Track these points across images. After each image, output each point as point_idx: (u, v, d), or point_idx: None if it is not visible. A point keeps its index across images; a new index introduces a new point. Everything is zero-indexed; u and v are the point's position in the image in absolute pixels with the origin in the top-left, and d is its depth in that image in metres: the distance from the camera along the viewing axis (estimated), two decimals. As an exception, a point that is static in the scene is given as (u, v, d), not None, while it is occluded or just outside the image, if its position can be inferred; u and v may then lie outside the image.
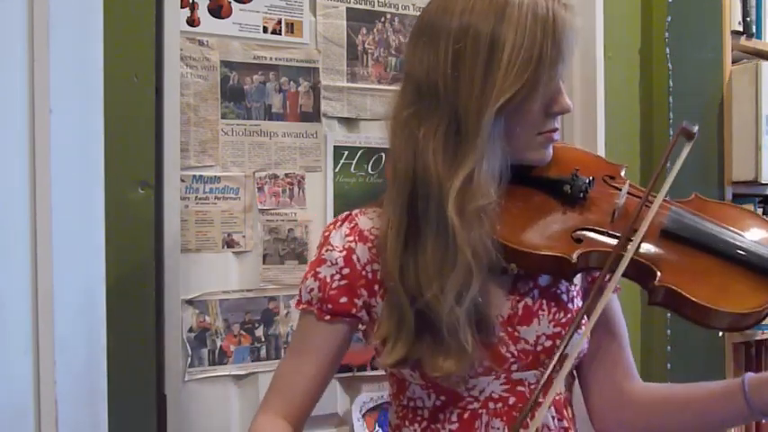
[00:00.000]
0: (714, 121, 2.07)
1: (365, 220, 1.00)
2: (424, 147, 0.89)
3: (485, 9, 0.87)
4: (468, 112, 0.87)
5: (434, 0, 0.93)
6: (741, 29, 2.11)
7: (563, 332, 0.94)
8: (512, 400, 0.94)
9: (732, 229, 0.91)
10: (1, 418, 1.08)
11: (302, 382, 0.97)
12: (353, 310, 0.96)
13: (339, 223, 1.00)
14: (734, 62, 2.11)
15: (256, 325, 1.60)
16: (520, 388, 0.94)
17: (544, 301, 0.95)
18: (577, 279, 1.02)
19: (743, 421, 0.93)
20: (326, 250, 0.98)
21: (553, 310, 0.95)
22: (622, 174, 1.00)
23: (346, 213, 1.02)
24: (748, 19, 2.12)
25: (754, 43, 2.15)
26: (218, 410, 1.57)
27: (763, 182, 2.04)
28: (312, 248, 1.65)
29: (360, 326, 1.00)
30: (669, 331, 1.95)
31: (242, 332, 1.59)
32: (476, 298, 0.89)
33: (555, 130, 0.93)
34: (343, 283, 0.96)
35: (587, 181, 0.95)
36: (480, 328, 0.90)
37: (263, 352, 1.61)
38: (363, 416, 1.70)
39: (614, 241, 0.90)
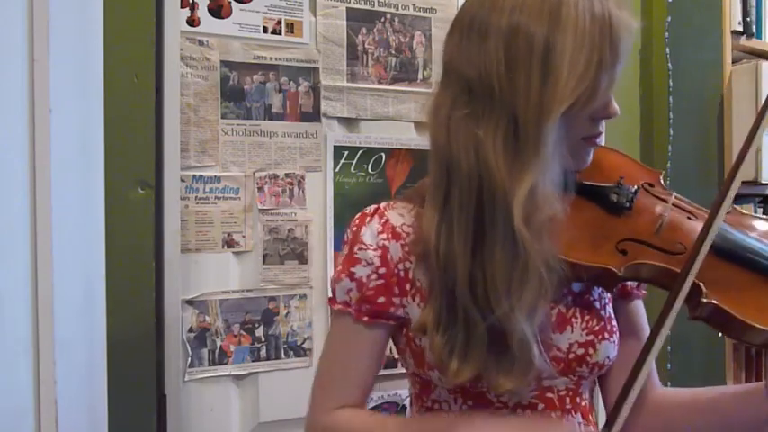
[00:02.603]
0: (714, 121, 2.07)
1: (396, 215, 0.95)
2: (486, 148, 0.84)
3: (537, 7, 0.82)
4: (527, 117, 0.83)
5: None
6: (741, 29, 2.11)
7: (595, 340, 0.93)
8: (540, 407, 0.93)
9: None
10: (1, 418, 1.08)
11: (355, 387, 0.95)
12: (392, 309, 0.93)
13: (369, 219, 0.95)
14: (734, 62, 2.11)
15: (256, 325, 1.60)
16: (549, 395, 0.93)
17: (577, 309, 0.93)
18: None
19: None
20: (359, 249, 0.93)
21: (586, 317, 0.94)
22: (661, 180, 1.00)
23: (374, 207, 0.97)
24: (748, 19, 2.12)
25: (754, 43, 2.15)
26: (218, 410, 1.56)
27: (763, 182, 2.04)
28: (312, 248, 1.65)
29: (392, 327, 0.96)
30: (669, 331, 1.95)
31: (242, 332, 1.59)
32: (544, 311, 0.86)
33: (599, 134, 0.91)
34: (380, 282, 0.92)
35: (633, 190, 0.93)
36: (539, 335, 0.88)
37: (263, 352, 1.61)
38: (363, 416, 1.70)
39: (660, 254, 0.89)
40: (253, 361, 1.60)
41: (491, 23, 0.84)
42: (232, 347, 1.57)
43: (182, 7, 1.51)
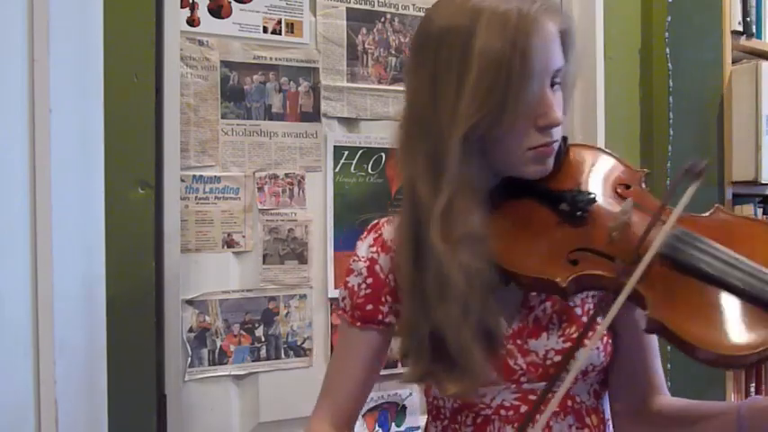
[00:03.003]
0: (714, 121, 2.07)
1: (390, 229, 1.02)
2: (414, 172, 0.90)
3: (456, 30, 0.85)
4: (442, 137, 0.87)
5: (423, 19, 0.93)
6: (741, 29, 2.11)
7: (572, 347, 0.91)
8: (523, 408, 0.94)
9: (739, 257, 0.81)
10: (1, 418, 1.08)
11: (345, 385, 1.01)
12: (380, 316, 1.00)
13: (366, 234, 1.04)
14: (734, 62, 2.11)
15: (256, 325, 1.60)
16: (531, 397, 0.94)
17: (555, 315, 0.94)
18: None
19: None
20: (353, 261, 1.03)
21: (564, 324, 0.94)
22: (641, 182, 0.94)
23: (374, 222, 1.05)
24: (748, 19, 2.12)
25: (754, 43, 2.15)
26: (217, 410, 1.56)
27: (763, 182, 2.04)
28: (312, 248, 1.65)
29: (395, 330, 1.02)
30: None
31: (242, 332, 1.59)
32: (483, 318, 0.88)
33: (547, 144, 0.88)
34: (368, 291, 1.00)
35: (586, 199, 0.89)
36: (488, 341, 0.90)
37: (262, 352, 1.61)
38: (363, 416, 1.70)
39: (611, 264, 0.84)
40: (253, 361, 1.60)
41: (421, 50, 0.90)
42: (232, 347, 1.57)
43: (182, 7, 1.51)
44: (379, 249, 1.01)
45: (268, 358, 1.61)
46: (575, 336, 0.93)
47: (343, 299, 1.03)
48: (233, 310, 1.58)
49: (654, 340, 1.02)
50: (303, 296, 1.65)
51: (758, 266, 0.79)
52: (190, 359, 1.53)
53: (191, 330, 1.53)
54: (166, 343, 1.46)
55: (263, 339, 1.61)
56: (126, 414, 1.35)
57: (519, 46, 0.82)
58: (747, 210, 2.07)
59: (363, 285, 1.00)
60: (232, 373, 1.58)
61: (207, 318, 1.55)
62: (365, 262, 1.01)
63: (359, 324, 1.00)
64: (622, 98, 2.01)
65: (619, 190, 0.92)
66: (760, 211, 2.11)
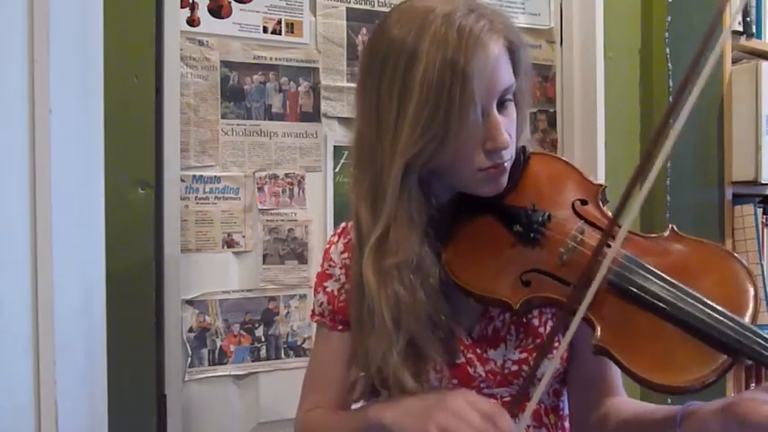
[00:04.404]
0: (714, 121, 2.07)
1: None
2: (359, 195, 0.90)
3: (398, 53, 0.83)
4: (383, 166, 0.86)
5: (373, 33, 0.90)
6: (741, 29, 2.11)
7: (529, 358, 0.94)
8: None
9: (685, 286, 0.81)
10: (1, 418, 1.08)
11: (333, 386, 1.00)
12: None
13: (336, 238, 1.04)
14: (734, 62, 2.11)
15: (256, 325, 1.60)
16: (492, 400, 0.94)
17: (513, 326, 0.95)
18: None
19: None
20: (329, 266, 1.03)
21: (521, 335, 0.95)
22: (599, 197, 0.92)
23: (342, 226, 1.05)
24: (748, 19, 2.12)
25: (754, 43, 2.15)
26: (217, 410, 1.56)
27: (763, 182, 2.04)
28: (312, 248, 1.65)
29: None
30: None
31: (242, 332, 1.59)
32: (416, 345, 0.89)
33: (496, 165, 0.87)
34: (347, 296, 1.00)
35: (540, 219, 0.89)
36: (445, 350, 0.91)
37: (262, 352, 1.61)
38: (363, 416, 1.70)
39: (562, 287, 0.84)
40: (253, 361, 1.60)
41: (369, 71, 0.87)
42: (232, 347, 1.57)
43: (182, 7, 1.51)
44: (350, 255, 0.99)
45: (268, 358, 1.61)
46: (531, 347, 0.94)
47: (321, 304, 1.02)
48: (233, 310, 1.58)
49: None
50: (303, 296, 1.65)
51: (703, 297, 0.79)
52: (190, 359, 1.53)
53: (191, 330, 1.53)
54: (166, 343, 1.47)
55: (263, 339, 1.61)
56: (126, 414, 1.35)
57: (459, 72, 0.80)
58: (747, 210, 2.07)
59: (343, 290, 1.00)
60: (232, 373, 1.58)
61: (207, 318, 1.55)
62: (341, 268, 1.01)
63: (340, 328, 1.00)
64: (622, 98, 2.01)
65: (575, 207, 0.91)
66: (760, 211, 2.11)
